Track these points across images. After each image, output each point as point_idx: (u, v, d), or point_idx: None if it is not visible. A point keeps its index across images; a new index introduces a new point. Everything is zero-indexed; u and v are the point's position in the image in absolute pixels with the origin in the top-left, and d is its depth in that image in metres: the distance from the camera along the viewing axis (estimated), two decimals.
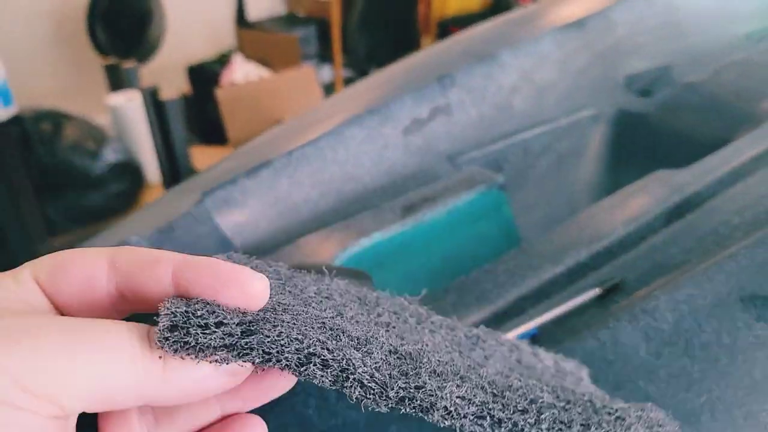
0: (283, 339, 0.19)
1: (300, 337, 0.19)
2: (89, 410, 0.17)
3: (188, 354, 0.18)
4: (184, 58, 2.77)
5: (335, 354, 0.19)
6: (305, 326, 0.20)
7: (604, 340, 0.36)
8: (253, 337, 0.19)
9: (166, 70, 2.71)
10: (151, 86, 1.98)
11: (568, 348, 0.36)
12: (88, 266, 0.20)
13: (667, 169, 0.61)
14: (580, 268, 0.48)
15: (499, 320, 0.43)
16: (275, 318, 0.20)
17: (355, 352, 0.20)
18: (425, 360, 0.21)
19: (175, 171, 1.90)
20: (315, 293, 0.25)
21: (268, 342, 0.19)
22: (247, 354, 0.19)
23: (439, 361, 0.21)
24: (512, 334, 0.42)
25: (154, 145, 1.91)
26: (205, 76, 2.70)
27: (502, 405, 0.20)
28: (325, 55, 3.07)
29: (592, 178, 0.81)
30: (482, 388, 0.21)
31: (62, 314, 0.20)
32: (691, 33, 1.01)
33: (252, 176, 0.59)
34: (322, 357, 0.19)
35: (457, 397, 0.20)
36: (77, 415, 0.18)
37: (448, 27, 3.41)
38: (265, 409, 0.22)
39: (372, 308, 0.25)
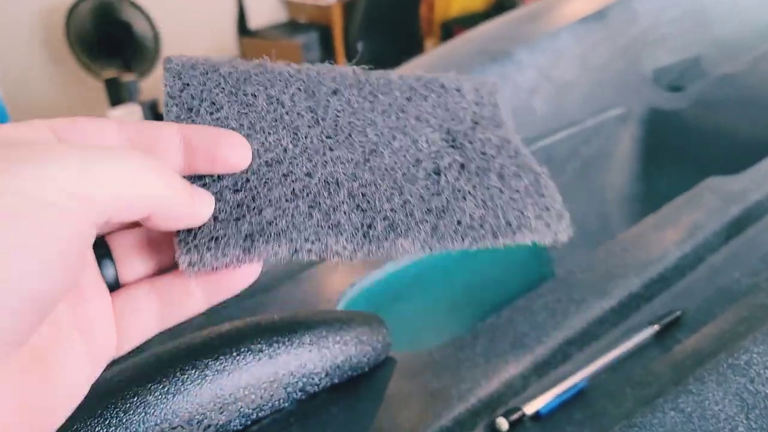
0: (281, 249, 0.24)
1: (290, 243, 0.24)
2: (112, 219, 0.19)
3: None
4: None
5: (315, 245, 0.25)
6: (287, 214, 0.25)
7: (689, 411, 0.29)
8: (255, 250, 0.24)
9: None
10: (150, 99, 1.93)
11: (642, 422, 0.29)
12: (99, 122, 0.21)
13: (716, 174, 0.54)
14: (631, 299, 0.40)
15: (540, 370, 0.36)
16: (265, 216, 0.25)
17: (331, 235, 0.25)
18: (378, 204, 0.27)
19: None
20: (267, 102, 0.28)
21: (269, 251, 0.24)
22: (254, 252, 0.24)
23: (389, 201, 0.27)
24: (557, 390, 0.35)
25: None
26: None
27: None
28: (328, 61, 3.00)
29: (624, 185, 0.73)
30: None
31: None
32: (718, 21, 0.93)
33: None
34: (307, 248, 0.25)
35: (402, 245, 0.26)
36: (93, 240, 0.19)
37: (451, 28, 3.34)
38: None
39: (322, 106, 0.29)
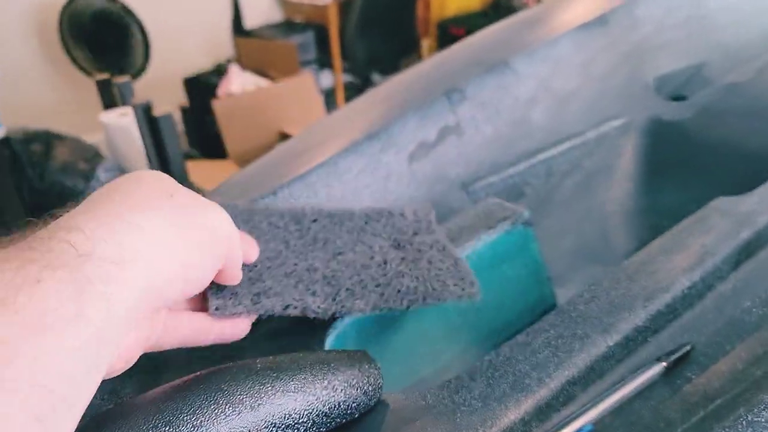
0: (276, 305, 0.37)
1: (283, 301, 0.37)
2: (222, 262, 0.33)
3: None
4: (182, 70, 2.69)
5: (299, 303, 0.38)
6: (281, 285, 0.39)
7: None
8: (260, 303, 0.37)
9: (163, 83, 2.63)
10: (143, 102, 1.90)
11: None
12: None
13: (722, 189, 0.52)
14: (637, 333, 0.38)
15: (542, 414, 0.34)
16: (266, 283, 0.38)
17: (310, 297, 0.38)
18: (342, 282, 0.40)
19: None
20: (268, 226, 0.44)
21: (269, 305, 0.37)
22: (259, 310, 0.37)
23: (350, 281, 0.41)
24: None
25: (149, 162, 1.83)
26: (202, 87, 2.62)
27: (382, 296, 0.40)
28: (324, 61, 2.98)
29: (626, 199, 0.71)
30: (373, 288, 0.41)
31: None
32: (722, 27, 0.90)
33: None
34: (293, 306, 0.38)
35: (359, 305, 0.39)
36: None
37: (448, 28, 3.31)
38: None
39: (305, 228, 0.44)
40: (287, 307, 0.37)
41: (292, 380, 0.31)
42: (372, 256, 0.43)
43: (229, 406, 0.29)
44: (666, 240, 0.45)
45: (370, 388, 0.34)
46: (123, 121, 1.92)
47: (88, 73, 2.33)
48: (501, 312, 0.51)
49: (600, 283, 0.41)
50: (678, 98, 0.79)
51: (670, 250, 0.44)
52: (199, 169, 2.21)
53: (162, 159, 1.83)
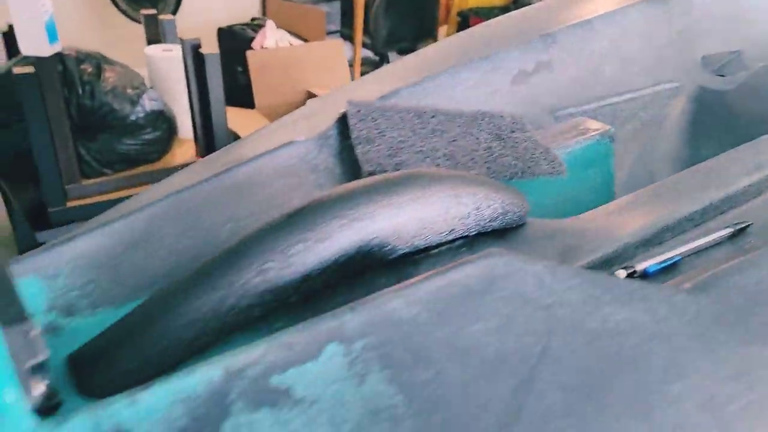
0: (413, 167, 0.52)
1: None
2: None
3: None
4: (207, 22, 2.75)
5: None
6: (413, 159, 0.53)
7: None
8: (399, 165, 0.54)
9: (193, 33, 2.69)
10: (193, 39, 1.98)
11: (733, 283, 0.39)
12: None
13: None
14: (712, 209, 0.50)
15: (645, 246, 0.46)
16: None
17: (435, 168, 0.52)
18: (458, 159, 0.54)
19: (209, 125, 1.89)
20: (398, 118, 0.58)
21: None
22: None
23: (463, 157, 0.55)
24: (660, 258, 0.44)
25: (190, 98, 1.90)
26: (234, 39, 2.69)
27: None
28: (344, 34, 3.07)
29: (671, 149, 0.83)
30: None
31: None
32: (757, 22, 1.03)
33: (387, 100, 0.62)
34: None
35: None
36: None
37: (468, 17, 3.42)
38: None
39: (426, 122, 0.58)
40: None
41: (482, 188, 0.42)
42: (479, 143, 0.56)
43: (449, 198, 0.40)
44: (729, 155, 0.57)
45: (521, 210, 0.45)
46: (168, 55, 2.00)
47: (127, 14, 2.39)
48: (582, 210, 0.63)
49: (683, 175, 0.54)
50: (720, 75, 0.91)
51: (735, 159, 0.56)
52: (229, 115, 2.29)
53: (203, 97, 1.90)
